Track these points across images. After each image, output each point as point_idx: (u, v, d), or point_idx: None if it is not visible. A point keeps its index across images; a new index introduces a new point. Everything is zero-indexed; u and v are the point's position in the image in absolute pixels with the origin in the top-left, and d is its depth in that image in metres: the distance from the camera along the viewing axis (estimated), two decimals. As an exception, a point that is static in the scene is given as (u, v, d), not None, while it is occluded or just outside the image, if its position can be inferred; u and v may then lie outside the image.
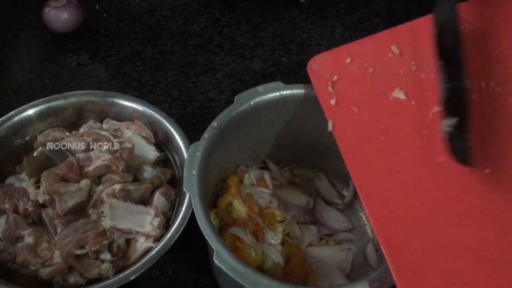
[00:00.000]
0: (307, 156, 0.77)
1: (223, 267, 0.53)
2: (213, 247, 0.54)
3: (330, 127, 0.61)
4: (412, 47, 0.63)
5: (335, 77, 0.64)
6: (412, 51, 0.63)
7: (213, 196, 0.72)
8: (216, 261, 0.53)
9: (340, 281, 0.67)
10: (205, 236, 0.56)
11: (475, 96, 0.58)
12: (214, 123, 0.64)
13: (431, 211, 0.54)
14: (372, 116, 0.61)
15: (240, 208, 0.68)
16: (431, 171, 0.56)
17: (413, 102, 0.60)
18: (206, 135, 0.64)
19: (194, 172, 0.60)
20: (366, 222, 0.75)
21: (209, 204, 0.69)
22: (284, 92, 0.68)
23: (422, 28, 0.62)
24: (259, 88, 0.67)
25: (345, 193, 0.77)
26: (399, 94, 0.61)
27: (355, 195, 0.75)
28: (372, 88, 0.62)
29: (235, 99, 0.67)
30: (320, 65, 0.65)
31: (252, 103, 0.67)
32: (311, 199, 0.75)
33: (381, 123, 0.60)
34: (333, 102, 0.63)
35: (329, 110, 0.63)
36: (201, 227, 0.56)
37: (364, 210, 0.74)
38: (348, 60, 0.64)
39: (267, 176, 0.75)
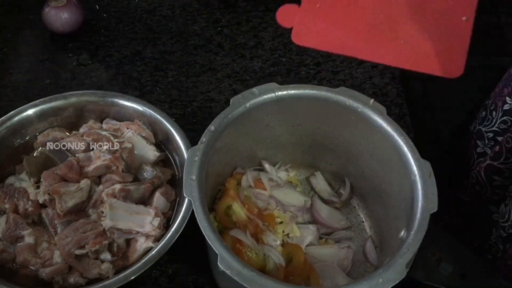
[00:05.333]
0: (303, 156, 0.77)
1: (228, 272, 0.53)
2: (217, 252, 0.54)
3: None
4: None
5: None
6: None
7: (211, 200, 0.71)
8: (221, 266, 0.53)
9: (341, 279, 0.67)
10: (208, 241, 0.55)
11: None
12: (211, 127, 0.64)
13: None
14: None
15: (239, 211, 0.68)
16: None
17: None
18: (203, 139, 0.63)
19: (194, 177, 0.60)
20: (363, 219, 0.75)
21: (208, 208, 0.69)
22: (279, 93, 0.67)
23: None
24: (254, 89, 0.67)
25: (341, 191, 0.76)
26: None
27: (352, 193, 0.76)
28: None
29: (230, 101, 0.66)
30: None
31: (247, 105, 0.66)
32: (309, 198, 0.76)
33: None
34: None
35: None
36: (203, 232, 0.56)
37: (361, 207, 0.75)
38: None
39: (264, 178, 0.75)
